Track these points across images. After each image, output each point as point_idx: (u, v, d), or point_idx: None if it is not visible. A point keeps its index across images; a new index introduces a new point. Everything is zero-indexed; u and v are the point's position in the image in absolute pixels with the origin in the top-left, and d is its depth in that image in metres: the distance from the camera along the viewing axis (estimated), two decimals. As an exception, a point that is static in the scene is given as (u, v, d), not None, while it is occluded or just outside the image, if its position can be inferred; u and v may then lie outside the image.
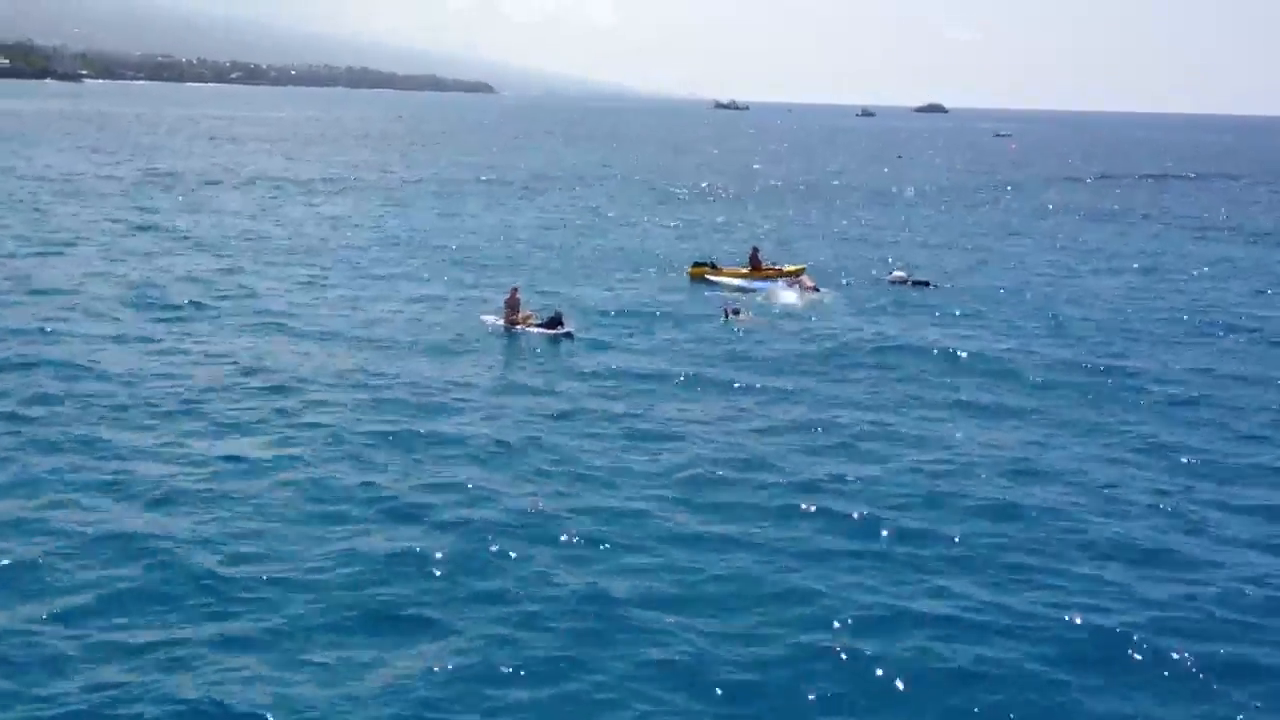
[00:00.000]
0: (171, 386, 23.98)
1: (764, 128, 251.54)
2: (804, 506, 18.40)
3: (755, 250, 42.27)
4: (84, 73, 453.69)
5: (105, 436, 20.64)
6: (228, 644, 13.63)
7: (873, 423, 23.28)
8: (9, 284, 34.90)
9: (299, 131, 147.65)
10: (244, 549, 16.18)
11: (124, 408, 22.42)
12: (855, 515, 18.10)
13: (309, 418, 22.34)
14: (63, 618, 14.14)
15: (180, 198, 61.67)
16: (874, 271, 43.58)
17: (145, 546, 16.01)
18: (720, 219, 62.36)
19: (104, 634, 13.87)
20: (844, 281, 41.56)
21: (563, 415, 23.22)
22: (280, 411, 22.72)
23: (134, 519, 17.08)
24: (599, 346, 29.50)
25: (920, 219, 65.49)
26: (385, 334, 30.20)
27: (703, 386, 25.87)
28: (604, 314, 33.98)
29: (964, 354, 29.49)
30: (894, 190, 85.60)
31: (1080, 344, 31.49)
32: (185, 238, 46.63)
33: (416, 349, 28.58)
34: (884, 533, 17.49)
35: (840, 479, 19.86)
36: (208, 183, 70.81)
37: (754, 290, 39.06)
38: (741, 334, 31.76)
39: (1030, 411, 24.64)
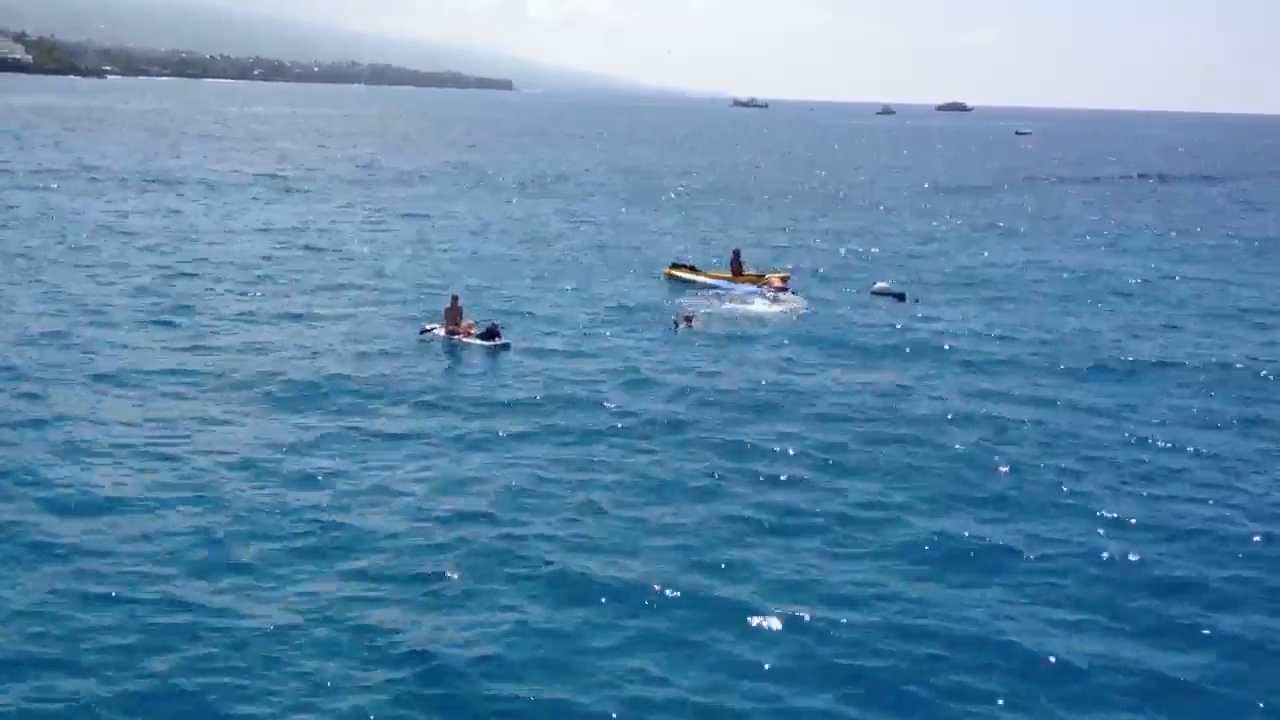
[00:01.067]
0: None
1: (780, 125, 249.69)
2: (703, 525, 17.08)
3: (737, 253, 40.77)
4: (108, 69, 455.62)
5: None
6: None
7: (817, 449, 21.64)
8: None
9: (295, 126, 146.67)
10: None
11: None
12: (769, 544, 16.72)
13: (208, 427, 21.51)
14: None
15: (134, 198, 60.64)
16: (859, 280, 41.97)
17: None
18: (716, 219, 60.73)
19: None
20: (825, 290, 39.98)
21: (483, 431, 22.04)
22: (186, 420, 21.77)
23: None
24: (536, 357, 28.17)
25: (924, 220, 63.68)
26: (319, 342, 28.94)
27: (631, 402, 24.32)
28: (557, 321, 32.68)
29: (924, 384, 26.91)
30: (902, 190, 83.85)
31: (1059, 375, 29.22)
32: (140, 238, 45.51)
33: (347, 358, 27.31)
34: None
35: (765, 506, 18.52)
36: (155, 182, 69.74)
37: (724, 293, 37.76)
38: (693, 344, 30.23)
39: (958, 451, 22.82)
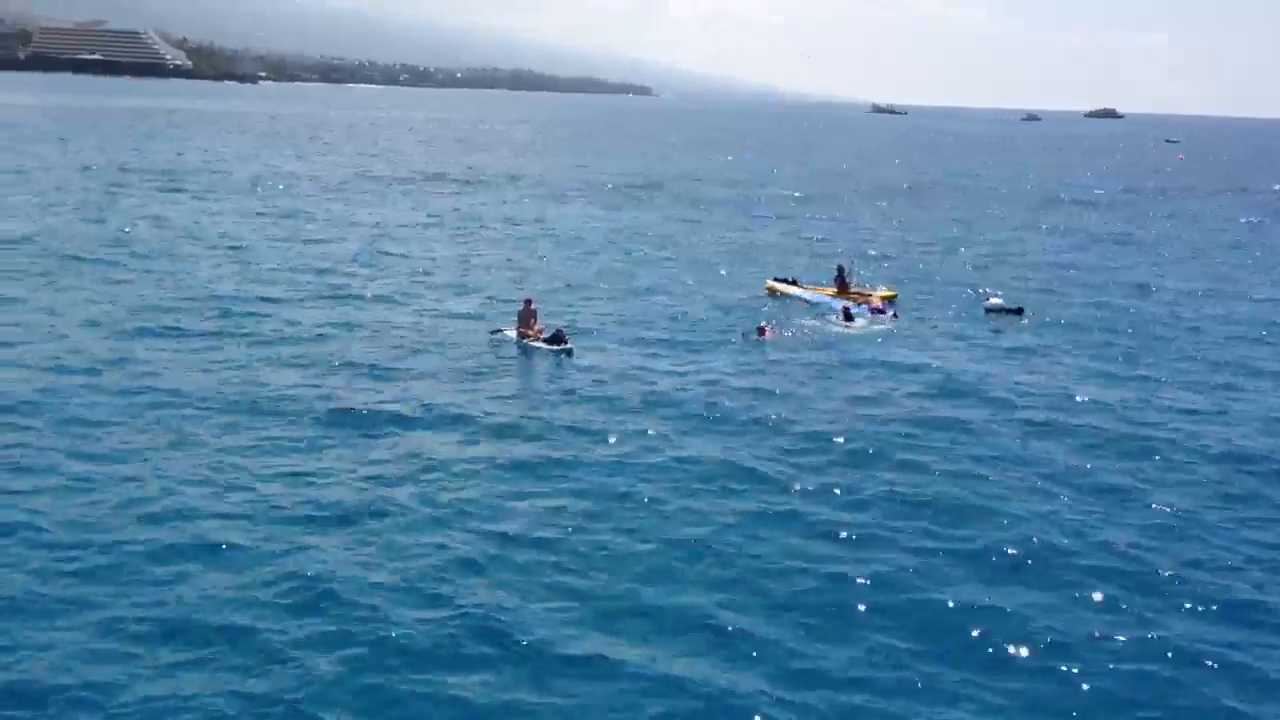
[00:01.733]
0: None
1: (917, 132, 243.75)
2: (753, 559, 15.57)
3: (841, 269, 38.48)
4: (262, 75, 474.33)
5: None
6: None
7: (895, 483, 19.52)
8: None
9: (413, 131, 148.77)
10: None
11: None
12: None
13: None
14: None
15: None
16: (971, 295, 39.27)
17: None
18: (830, 229, 58.25)
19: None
20: (933, 307, 37.46)
21: (531, 437, 21.27)
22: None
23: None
24: (598, 362, 26.90)
25: (1055, 231, 60.11)
26: (397, 343, 28.60)
27: (681, 415, 22.88)
28: (634, 328, 31.23)
29: (1027, 407, 24.69)
30: (1036, 201, 79.80)
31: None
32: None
33: (418, 359, 26.93)
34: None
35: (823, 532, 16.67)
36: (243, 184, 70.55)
37: (818, 305, 35.80)
38: (764, 357, 28.31)
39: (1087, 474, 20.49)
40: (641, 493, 18.51)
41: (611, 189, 75.58)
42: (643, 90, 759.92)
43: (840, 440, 21.61)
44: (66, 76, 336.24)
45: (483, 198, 66.51)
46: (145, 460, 19.09)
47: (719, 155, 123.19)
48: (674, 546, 16.48)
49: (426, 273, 39.55)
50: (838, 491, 18.95)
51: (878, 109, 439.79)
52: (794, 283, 38.58)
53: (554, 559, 15.96)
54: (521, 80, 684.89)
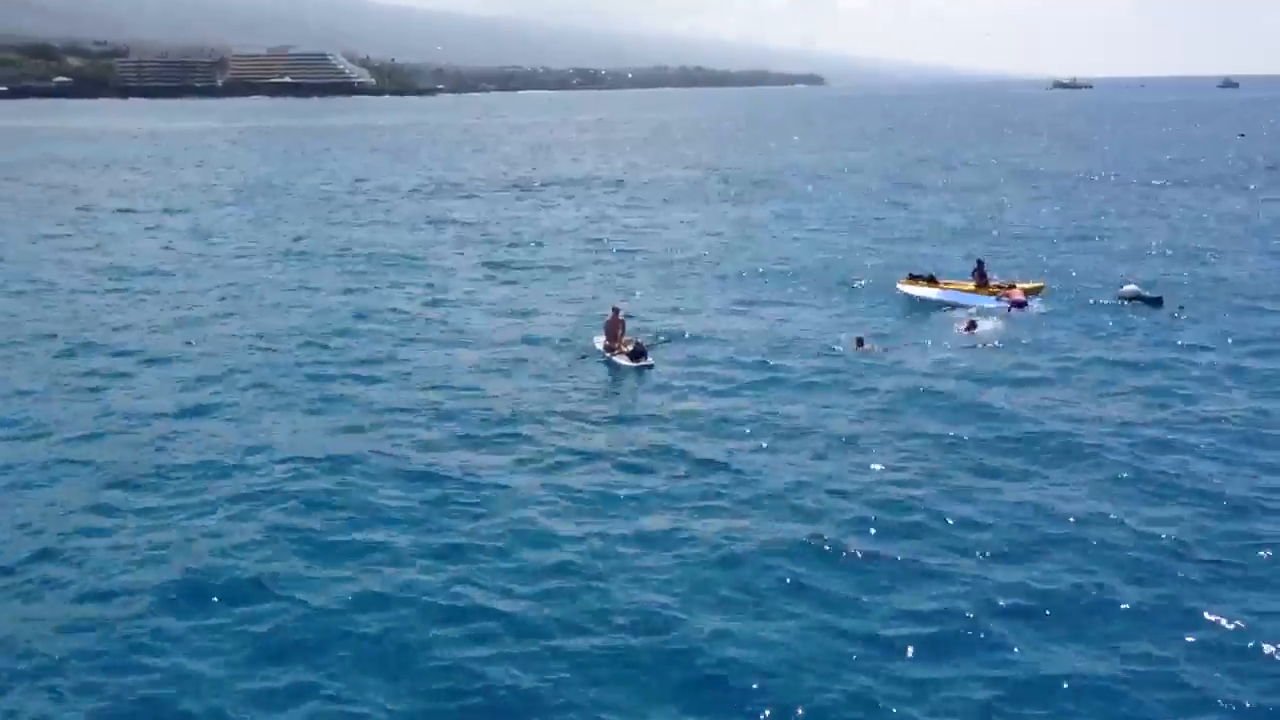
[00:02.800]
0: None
1: (1103, 106, 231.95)
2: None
3: (981, 264, 36.93)
4: (440, 87, 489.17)
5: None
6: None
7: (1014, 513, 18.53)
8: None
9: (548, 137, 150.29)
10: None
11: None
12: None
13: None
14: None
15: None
16: (1110, 282, 37.24)
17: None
18: (972, 217, 56.05)
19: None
20: (1065, 294, 35.79)
21: (595, 456, 21.13)
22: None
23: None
24: (678, 382, 26.12)
25: (1224, 214, 56.32)
26: (483, 350, 29.34)
27: (760, 438, 22.04)
28: (738, 340, 30.35)
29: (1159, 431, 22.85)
30: (1210, 180, 74.88)
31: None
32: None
33: (502, 370, 27.36)
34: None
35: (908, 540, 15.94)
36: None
37: (952, 308, 34.54)
38: (861, 373, 26.86)
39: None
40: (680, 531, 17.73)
41: (766, 183, 74.88)
42: (815, 80, 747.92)
43: (915, 469, 20.51)
44: (262, 100, 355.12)
45: (615, 200, 66.94)
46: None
47: (896, 143, 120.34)
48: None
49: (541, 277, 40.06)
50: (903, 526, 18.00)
51: (1059, 84, 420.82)
52: (931, 280, 37.15)
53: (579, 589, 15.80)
54: (691, 77, 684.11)
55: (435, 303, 36.33)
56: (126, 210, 63.27)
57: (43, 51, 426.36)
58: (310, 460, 20.71)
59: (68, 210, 63.04)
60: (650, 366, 26.83)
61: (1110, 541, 16.95)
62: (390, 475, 20.07)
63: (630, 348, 27.38)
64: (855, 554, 16.63)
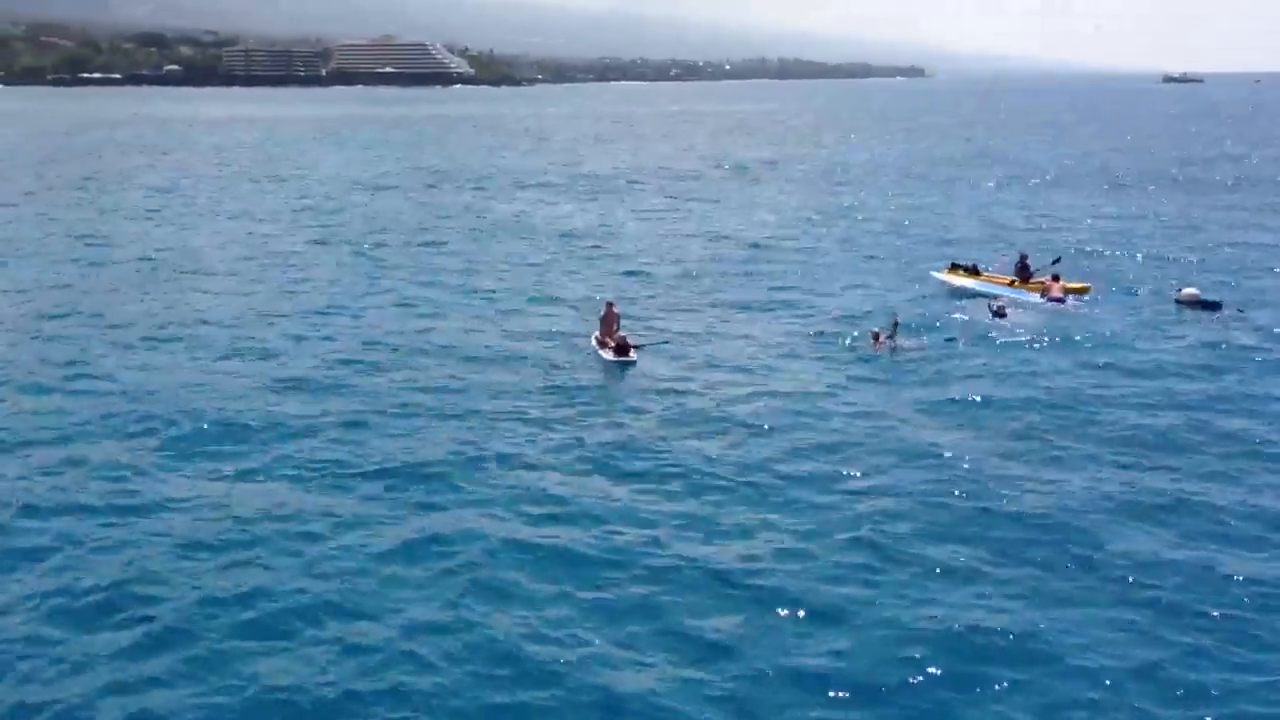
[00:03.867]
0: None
1: (1211, 103, 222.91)
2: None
3: (1024, 258, 35.06)
4: (539, 77, 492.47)
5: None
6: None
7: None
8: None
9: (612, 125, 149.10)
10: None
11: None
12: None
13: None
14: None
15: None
16: (1166, 285, 34.95)
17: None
18: (1036, 213, 53.55)
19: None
20: (1121, 295, 33.72)
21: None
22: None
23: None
24: (665, 378, 24.77)
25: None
26: (483, 344, 28.17)
27: (738, 443, 20.56)
28: (750, 337, 28.98)
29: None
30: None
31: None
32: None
33: (493, 365, 26.08)
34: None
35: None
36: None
37: (990, 301, 32.81)
38: (874, 371, 25.34)
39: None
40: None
41: (821, 176, 73.00)
42: (915, 72, 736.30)
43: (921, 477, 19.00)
44: (360, 89, 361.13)
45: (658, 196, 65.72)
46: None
47: (960, 134, 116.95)
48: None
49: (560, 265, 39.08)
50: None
51: (1169, 79, 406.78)
52: (974, 270, 35.53)
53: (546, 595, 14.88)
54: (789, 69, 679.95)
55: (458, 288, 35.74)
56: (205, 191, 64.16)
57: (156, 41, 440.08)
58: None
59: (149, 183, 64.04)
60: (633, 363, 25.59)
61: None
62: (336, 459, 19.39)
63: (614, 343, 26.17)
64: (852, 559, 15.62)
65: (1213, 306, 31.78)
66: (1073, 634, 13.60)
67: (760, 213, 54.51)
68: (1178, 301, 32.50)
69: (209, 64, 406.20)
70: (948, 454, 19.64)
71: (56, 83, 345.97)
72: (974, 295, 33.59)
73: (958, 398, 23.05)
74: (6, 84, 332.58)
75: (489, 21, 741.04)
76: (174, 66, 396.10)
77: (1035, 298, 32.82)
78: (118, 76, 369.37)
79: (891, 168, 79.74)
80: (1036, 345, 27.54)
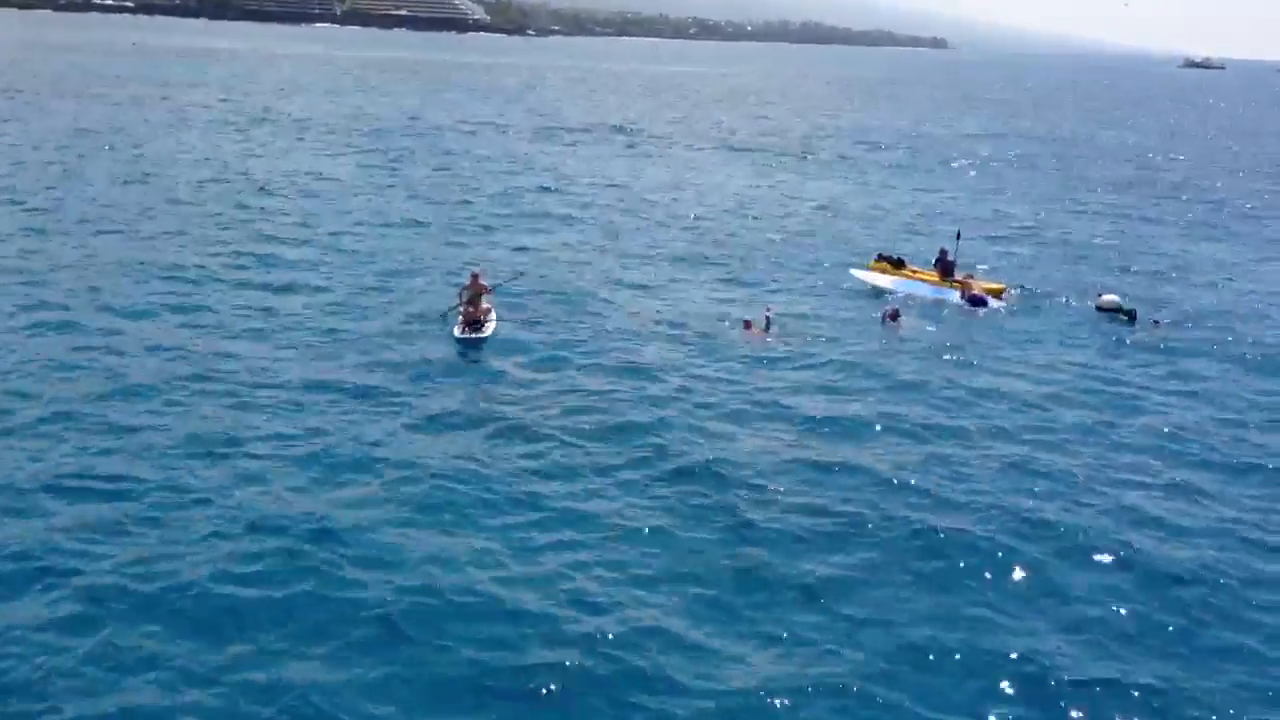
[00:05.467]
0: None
1: (1221, 91, 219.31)
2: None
3: (944, 252, 33.82)
4: (556, 28, 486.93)
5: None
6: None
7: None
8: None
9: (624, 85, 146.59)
10: None
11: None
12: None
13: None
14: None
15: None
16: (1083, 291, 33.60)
17: None
18: (1004, 204, 51.92)
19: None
20: (1041, 298, 32.47)
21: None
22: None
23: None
24: (524, 357, 23.78)
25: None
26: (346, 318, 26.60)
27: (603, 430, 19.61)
28: (603, 310, 27.91)
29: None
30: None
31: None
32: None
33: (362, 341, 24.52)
34: None
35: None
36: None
37: (906, 294, 31.93)
38: (748, 362, 24.25)
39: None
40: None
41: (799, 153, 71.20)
42: (939, 43, 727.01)
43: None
44: (375, 31, 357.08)
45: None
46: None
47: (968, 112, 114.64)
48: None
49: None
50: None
51: (1191, 63, 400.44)
52: (900, 263, 34.23)
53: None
54: (812, 34, 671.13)
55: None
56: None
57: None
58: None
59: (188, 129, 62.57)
60: (483, 340, 24.42)
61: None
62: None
63: (464, 316, 24.89)
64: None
65: (1129, 316, 30.52)
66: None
67: (728, 191, 52.99)
68: (1098, 308, 31.30)
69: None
70: (779, 454, 18.61)
71: (67, 8, 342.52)
72: (889, 294, 32.31)
73: (809, 400, 21.87)
74: (19, 7, 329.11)
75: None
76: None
77: (955, 295, 31.63)
78: (130, 4, 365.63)
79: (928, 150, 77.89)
80: (920, 350, 26.22)
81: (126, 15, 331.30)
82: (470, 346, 24.17)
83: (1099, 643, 13.62)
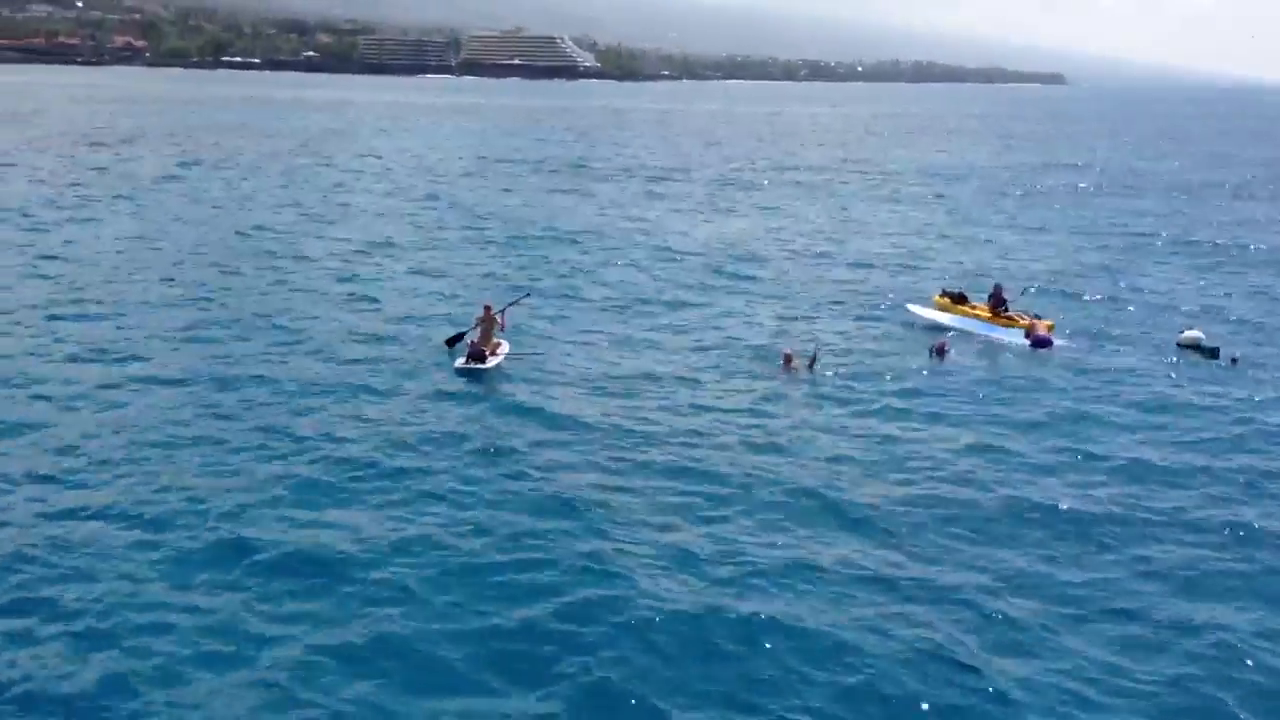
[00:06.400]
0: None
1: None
2: None
3: (998, 288, 32.34)
4: (666, 73, 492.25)
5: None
6: None
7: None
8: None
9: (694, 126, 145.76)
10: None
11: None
12: None
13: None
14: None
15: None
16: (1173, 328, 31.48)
17: None
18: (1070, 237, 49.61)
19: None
20: (1114, 335, 30.56)
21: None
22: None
23: None
24: (513, 392, 22.98)
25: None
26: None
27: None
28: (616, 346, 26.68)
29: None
30: None
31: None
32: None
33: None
34: None
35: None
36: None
37: (962, 331, 30.33)
38: (784, 398, 23.08)
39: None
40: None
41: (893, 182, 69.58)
42: (1054, 79, 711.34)
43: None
44: (486, 80, 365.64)
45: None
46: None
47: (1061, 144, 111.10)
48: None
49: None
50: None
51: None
52: (960, 298, 32.77)
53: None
54: (924, 73, 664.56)
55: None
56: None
57: (297, 27, 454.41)
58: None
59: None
60: (482, 372, 23.80)
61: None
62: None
63: (469, 348, 24.46)
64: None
65: (1211, 353, 28.44)
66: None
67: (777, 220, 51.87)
68: (1179, 345, 29.28)
69: (344, 51, 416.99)
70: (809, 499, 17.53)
71: (199, 65, 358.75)
72: (945, 329, 30.78)
73: (845, 441, 20.59)
74: (152, 65, 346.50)
75: (624, 16, 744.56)
76: (311, 53, 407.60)
77: (1014, 335, 29.89)
78: (256, 61, 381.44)
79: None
80: (963, 388, 24.60)
81: (253, 72, 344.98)
82: (470, 379, 23.63)
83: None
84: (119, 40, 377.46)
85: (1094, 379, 25.72)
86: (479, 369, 23.86)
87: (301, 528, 16.00)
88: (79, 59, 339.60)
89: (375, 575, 14.70)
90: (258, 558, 15.03)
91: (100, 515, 16.33)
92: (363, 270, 36.55)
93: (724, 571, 15.04)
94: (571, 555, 15.30)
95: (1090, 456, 20.11)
